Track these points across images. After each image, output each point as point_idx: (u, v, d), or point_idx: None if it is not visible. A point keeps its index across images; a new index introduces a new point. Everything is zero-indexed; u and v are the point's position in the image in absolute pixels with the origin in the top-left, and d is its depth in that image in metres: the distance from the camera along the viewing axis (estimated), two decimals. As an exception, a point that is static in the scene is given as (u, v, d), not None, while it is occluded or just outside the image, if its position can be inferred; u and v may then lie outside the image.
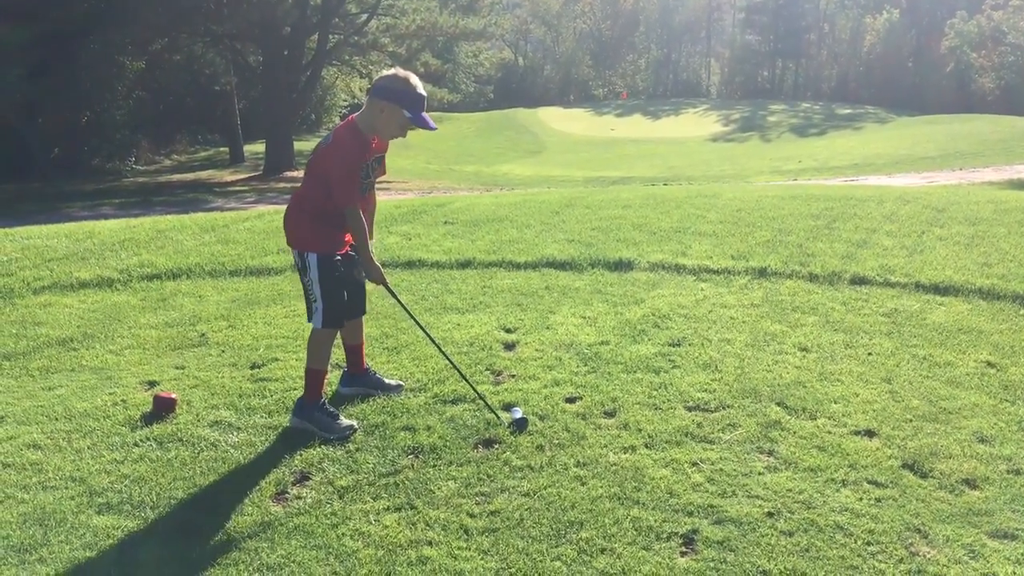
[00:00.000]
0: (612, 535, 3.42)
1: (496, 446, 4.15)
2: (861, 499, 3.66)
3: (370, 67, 35.18)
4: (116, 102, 31.80)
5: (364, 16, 33.36)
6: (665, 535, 3.41)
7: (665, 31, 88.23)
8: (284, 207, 4.62)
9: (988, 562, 3.24)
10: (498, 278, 7.16)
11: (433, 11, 34.22)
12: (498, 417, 4.36)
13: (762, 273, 7.12)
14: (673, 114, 61.32)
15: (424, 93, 4.22)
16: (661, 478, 3.82)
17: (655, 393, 4.70)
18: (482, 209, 10.51)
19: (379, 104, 4.17)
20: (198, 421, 4.49)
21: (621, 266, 7.42)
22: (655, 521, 3.50)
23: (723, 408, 4.52)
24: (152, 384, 5.05)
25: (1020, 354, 5.35)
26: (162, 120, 36.58)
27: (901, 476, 3.86)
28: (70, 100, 28.45)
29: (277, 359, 5.37)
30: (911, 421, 4.39)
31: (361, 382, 4.76)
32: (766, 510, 3.57)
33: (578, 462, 3.99)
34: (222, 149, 39.44)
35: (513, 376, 4.98)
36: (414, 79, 4.19)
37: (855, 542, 3.36)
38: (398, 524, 3.54)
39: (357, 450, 4.15)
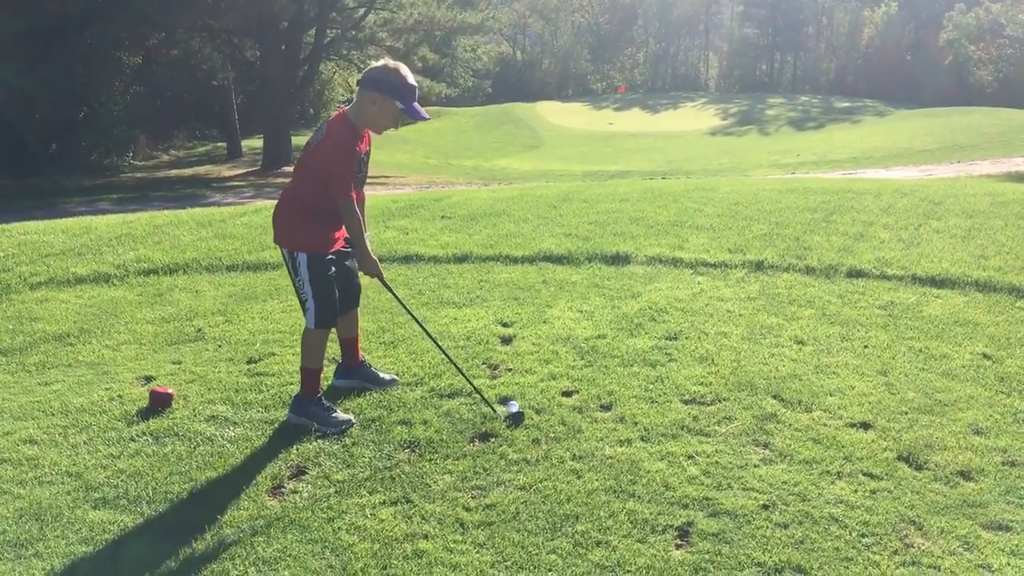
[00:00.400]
0: (608, 528, 3.43)
1: (492, 440, 4.16)
2: (856, 491, 3.67)
3: (368, 61, 35.00)
4: (113, 97, 31.73)
5: (361, 10, 33.29)
6: (660, 528, 3.42)
7: (663, 25, 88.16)
8: (280, 202, 4.60)
9: (983, 554, 3.25)
10: (495, 272, 7.16)
11: (431, 5, 34.12)
12: (494, 411, 4.37)
13: (759, 266, 7.12)
14: (671, 108, 61.30)
15: (415, 83, 4.21)
16: (657, 471, 3.83)
17: (651, 386, 4.70)
18: (479, 203, 10.50)
19: (370, 96, 4.15)
20: (194, 416, 4.49)
21: (618, 260, 7.42)
22: (650, 514, 3.51)
23: (719, 401, 4.53)
24: (148, 379, 5.05)
25: (1016, 346, 5.36)
26: (160, 115, 36.48)
27: (896, 468, 3.87)
28: (67, 95, 28.37)
29: (274, 354, 5.37)
30: (907, 413, 4.40)
31: (356, 375, 4.76)
32: (761, 502, 3.57)
33: (574, 455, 3.99)
34: (220, 144, 39.38)
35: (510, 370, 4.98)
36: (404, 69, 4.17)
37: (850, 534, 3.36)
38: (394, 518, 3.54)
39: (353, 444, 4.15)
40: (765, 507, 3.54)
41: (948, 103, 50.61)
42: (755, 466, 3.87)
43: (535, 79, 79.80)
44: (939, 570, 3.16)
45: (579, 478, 3.80)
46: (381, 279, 4.38)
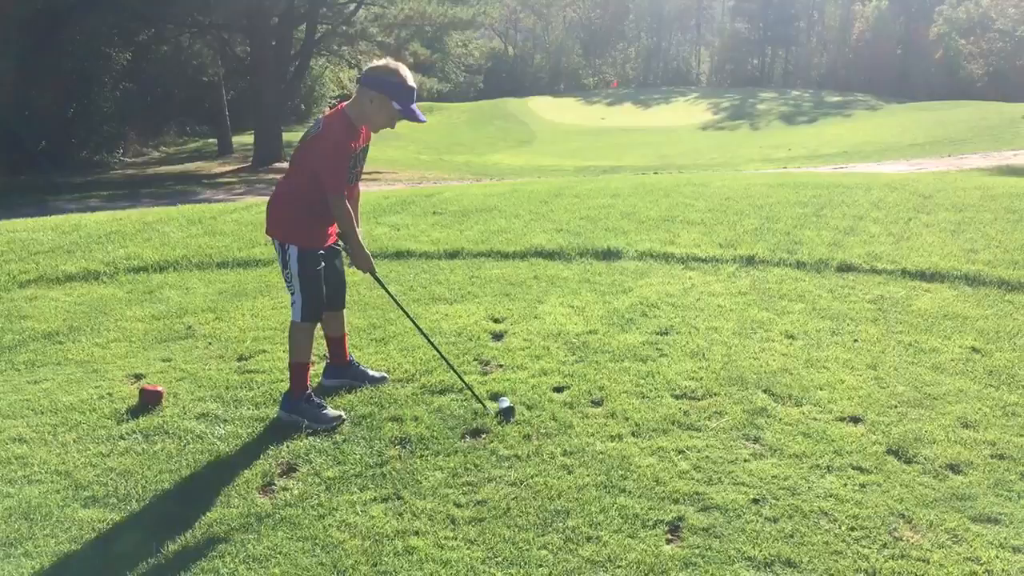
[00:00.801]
0: (598, 523, 3.43)
1: (483, 436, 4.16)
2: (846, 485, 3.68)
3: (359, 57, 35.01)
4: (103, 94, 31.58)
5: (352, 5, 33.18)
6: (651, 523, 3.43)
7: (655, 19, 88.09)
8: (272, 198, 4.58)
9: (971, 546, 3.27)
10: (486, 268, 7.15)
11: (421, 0, 34.05)
12: (485, 407, 4.37)
13: (750, 261, 7.13)
14: (663, 103, 61.26)
15: (414, 85, 4.21)
16: (647, 466, 3.83)
17: (642, 382, 4.71)
18: (471, 199, 10.49)
19: (369, 94, 4.15)
20: (184, 414, 4.48)
21: (609, 255, 7.42)
22: (641, 509, 3.51)
23: (710, 396, 4.54)
24: (138, 377, 5.04)
25: (1004, 340, 5.38)
26: (150, 112, 36.34)
27: (885, 462, 3.88)
28: (57, 92, 28.23)
29: (264, 351, 5.36)
30: (896, 407, 4.42)
31: (345, 374, 4.75)
32: (751, 497, 3.58)
33: (565, 451, 3.99)
34: (211, 140, 39.23)
35: (501, 366, 4.98)
36: (404, 70, 4.17)
37: (839, 527, 3.38)
38: (385, 515, 3.54)
39: (344, 441, 4.15)
40: (755, 501, 3.55)
41: (939, 97, 50.73)
42: (745, 460, 3.88)
43: (527, 74, 79.67)
44: (928, 563, 3.17)
45: (570, 473, 3.80)
46: (373, 274, 4.38)
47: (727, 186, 10.74)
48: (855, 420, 4.28)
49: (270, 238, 4.42)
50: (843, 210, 8.96)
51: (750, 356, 5.06)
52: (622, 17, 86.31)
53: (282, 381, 4.73)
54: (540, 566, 3.19)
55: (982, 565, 3.17)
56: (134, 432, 4.30)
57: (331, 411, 4.34)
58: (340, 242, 4.50)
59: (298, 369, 4.37)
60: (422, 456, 3.99)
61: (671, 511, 3.50)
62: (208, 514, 3.58)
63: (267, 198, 4.53)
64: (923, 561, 3.18)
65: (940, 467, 3.84)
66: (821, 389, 4.62)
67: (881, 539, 3.31)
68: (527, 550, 3.28)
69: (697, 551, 3.25)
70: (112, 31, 28.81)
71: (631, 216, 8.90)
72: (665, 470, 3.80)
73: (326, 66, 40.78)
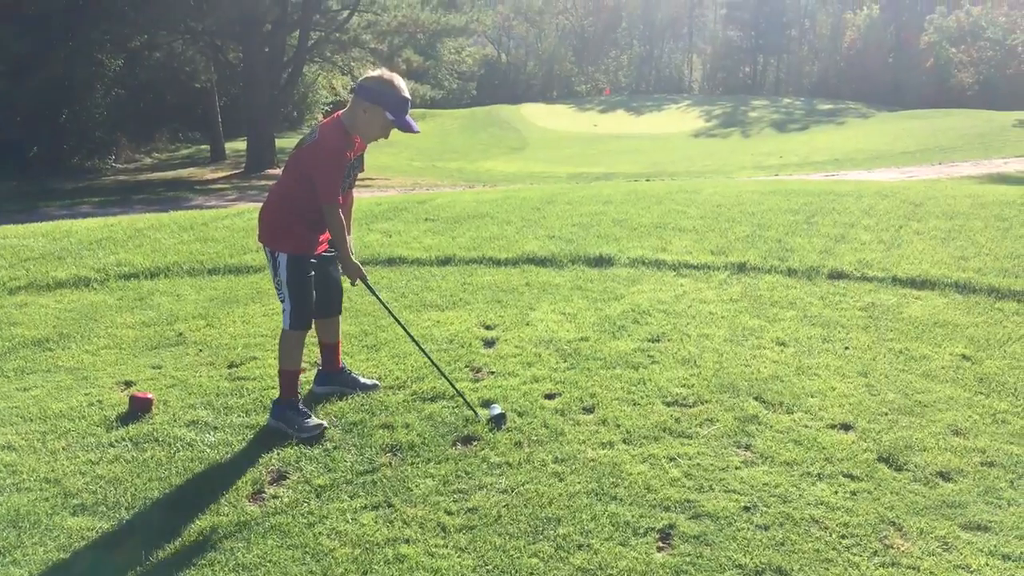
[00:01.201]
0: (589, 531, 3.43)
1: (475, 443, 4.15)
2: (836, 492, 3.69)
3: (352, 64, 35.06)
4: (95, 100, 31.51)
5: (345, 12, 33.19)
6: (642, 530, 3.43)
7: (647, 27, 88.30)
8: (263, 204, 4.57)
9: (961, 554, 3.27)
10: (478, 275, 7.15)
11: (415, 7, 34.07)
12: (476, 414, 4.36)
13: (741, 268, 7.15)
14: (655, 110, 61.39)
15: (408, 96, 4.20)
16: (639, 473, 3.83)
17: (634, 389, 4.71)
18: (463, 206, 10.49)
19: (363, 105, 4.14)
20: (174, 421, 4.46)
21: (601, 262, 7.43)
22: (632, 516, 3.51)
23: (701, 403, 4.54)
24: (128, 384, 5.02)
25: (995, 347, 5.40)
26: (142, 118, 36.26)
27: (876, 469, 3.89)
28: (49, 98, 28.16)
29: (255, 358, 5.35)
30: (887, 414, 4.43)
31: (336, 381, 4.74)
32: (742, 504, 3.58)
33: (556, 458, 3.99)
34: (203, 147, 39.15)
35: (492, 373, 4.98)
36: (399, 81, 4.17)
37: (830, 535, 3.38)
38: (375, 522, 3.53)
39: (335, 448, 4.14)
40: (746, 509, 3.56)
41: (929, 105, 50.94)
42: (736, 468, 3.88)
43: (520, 81, 79.78)
44: (918, 571, 3.17)
45: (561, 481, 3.80)
46: (365, 282, 4.37)
47: (719, 193, 10.77)
48: (846, 427, 4.29)
49: (261, 245, 4.41)
50: (834, 217, 8.99)
51: (741, 363, 5.07)
52: (614, 25, 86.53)
53: (272, 388, 4.71)
54: (531, 574, 3.19)
55: (972, 573, 3.17)
56: (124, 440, 4.28)
57: (313, 420, 4.32)
58: (333, 249, 4.49)
59: (288, 376, 4.36)
60: (413, 463, 3.98)
61: (662, 519, 3.50)
62: (198, 522, 3.56)
63: (259, 204, 4.52)
64: (913, 569, 3.19)
65: (930, 475, 3.85)
66: (812, 396, 4.62)
67: (872, 547, 3.31)
68: (518, 558, 3.27)
69: (688, 559, 3.24)
70: (104, 37, 28.76)
71: (623, 223, 8.91)
72: (656, 477, 3.80)
73: (319, 73, 40.78)
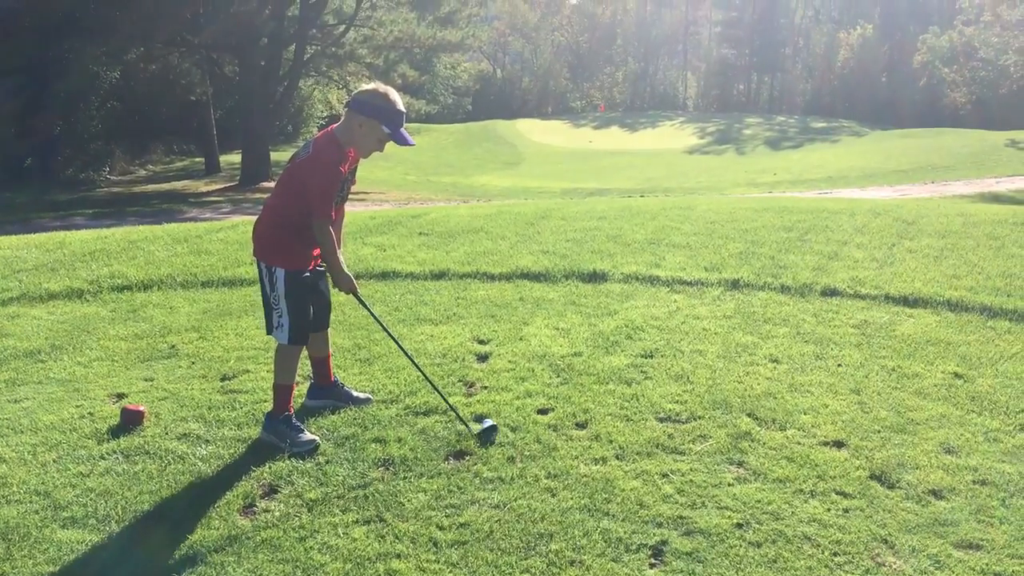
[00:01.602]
0: (581, 547, 3.42)
1: (467, 458, 4.15)
2: (829, 510, 3.68)
3: (348, 78, 35.13)
4: (90, 112, 31.52)
5: (341, 27, 33.30)
6: (634, 547, 3.42)
7: (642, 44, 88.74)
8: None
9: (953, 572, 3.27)
10: (472, 289, 7.16)
11: (411, 23, 34.18)
12: (468, 428, 4.35)
13: (735, 285, 7.17)
14: (650, 126, 61.64)
15: (403, 109, 4.21)
16: (631, 489, 3.82)
17: (627, 404, 4.71)
18: (457, 220, 10.51)
19: (358, 119, 4.15)
20: (166, 434, 4.44)
21: (595, 278, 7.44)
22: (624, 533, 3.50)
23: (694, 419, 4.54)
24: (120, 396, 5.00)
25: (987, 365, 5.41)
26: (137, 130, 36.28)
27: (869, 487, 3.89)
28: (43, 110, 28.15)
29: (248, 371, 5.33)
30: (879, 432, 4.43)
31: (329, 395, 4.73)
32: (735, 521, 3.58)
33: (549, 474, 3.98)
34: (198, 159, 39.15)
35: (486, 387, 4.97)
36: (394, 94, 4.18)
37: (822, 552, 3.37)
38: (367, 537, 3.51)
39: (327, 462, 4.12)
40: (739, 526, 3.55)
41: (923, 124, 51.23)
42: (729, 484, 3.88)
43: (515, 97, 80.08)
44: (910, 589, 3.17)
45: (554, 496, 3.79)
46: (356, 295, 4.37)
47: (713, 210, 10.81)
48: (838, 445, 4.29)
49: (256, 260, 4.40)
50: (827, 235, 9.03)
51: (735, 380, 5.07)
52: (609, 42, 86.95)
53: (265, 401, 4.70)
54: (523, 590, 3.17)
55: (964, 591, 3.17)
56: (115, 452, 4.26)
57: (307, 435, 4.30)
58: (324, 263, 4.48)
59: (282, 390, 4.35)
60: (405, 478, 3.97)
61: (655, 535, 3.49)
62: (188, 536, 3.54)
63: (254, 217, 4.52)
64: (905, 587, 3.18)
65: (923, 492, 3.85)
66: (805, 413, 4.63)
67: (864, 564, 3.31)
68: (510, 574, 3.26)
69: (680, 575, 3.24)
70: (101, 49, 28.79)
71: (617, 239, 8.93)
72: (649, 494, 3.79)
73: (315, 87, 40.88)
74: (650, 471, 3.99)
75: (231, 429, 4.49)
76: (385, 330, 4.61)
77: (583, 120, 66.09)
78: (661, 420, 4.53)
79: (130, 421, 4.54)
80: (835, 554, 3.37)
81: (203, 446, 4.31)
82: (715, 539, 3.46)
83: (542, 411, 4.64)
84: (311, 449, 4.22)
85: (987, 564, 3.33)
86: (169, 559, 3.39)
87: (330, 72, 35.85)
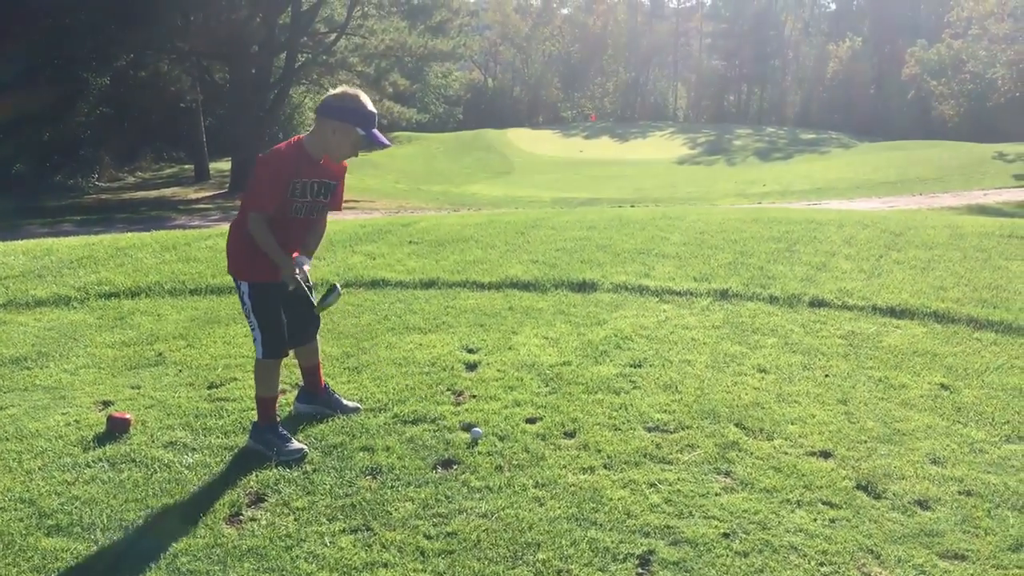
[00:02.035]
0: (569, 556, 3.41)
1: (455, 467, 4.14)
2: (815, 520, 3.69)
3: (339, 86, 35.16)
4: (79, 118, 31.44)
5: (333, 35, 33.37)
6: (622, 556, 3.42)
7: (633, 55, 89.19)
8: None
9: (939, 582, 3.28)
10: (461, 298, 7.15)
11: (402, 31, 34.29)
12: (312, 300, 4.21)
13: (724, 295, 7.19)
14: (641, 137, 61.91)
15: (375, 111, 4.17)
16: (619, 499, 3.83)
17: (615, 414, 4.71)
18: (447, 229, 10.51)
19: (331, 125, 4.11)
20: (152, 442, 4.42)
21: (584, 287, 7.45)
22: (612, 542, 3.50)
23: (682, 429, 4.54)
24: (107, 404, 4.97)
25: (973, 376, 5.44)
26: (126, 137, 36.21)
27: (855, 497, 3.90)
28: (32, 116, 28.06)
29: (235, 379, 5.31)
30: (866, 442, 4.45)
31: (318, 401, 4.72)
32: (722, 531, 3.58)
33: (537, 483, 3.98)
34: (187, 166, 39.12)
35: (474, 396, 4.97)
36: (364, 96, 4.14)
37: (808, 563, 3.38)
38: (354, 546, 3.50)
39: (314, 471, 4.11)
40: (726, 535, 3.55)
41: (911, 136, 51.61)
42: (716, 494, 3.89)
43: (506, 106, 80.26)
44: (896, 599, 3.18)
45: (541, 506, 3.79)
46: (296, 282, 4.18)
47: (702, 220, 10.84)
48: (825, 455, 4.30)
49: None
50: (816, 246, 9.06)
51: (723, 389, 5.08)
52: (601, 52, 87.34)
53: (253, 409, 4.67)
54: (509, 600, 3.17)
55: (949, 601, 3.18)
56: (101, 460, 4.24)
57: (294, 443, 4.28)
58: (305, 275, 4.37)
59: (264, 403, 4.32)
60: (393, 487, 3.96)
61: (642, 544, 3.49)
62: (174, 545, 3.52)
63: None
64: (891, 597, 3.19)
65: (909, 503, 3.86)
66: (792, 423, 4.64)
67: (850, 574, 3.32)
68: (497, 583, 3.25)
69: (667, 585, 3.24)
70: (90, 55, 28.74)
71: (607, 248, 8.95)
72: (636, 503, 3.79)
73: (306, 94, 40.95)
74: (638, 480, 3.99)
75: (218, 437, 4.47)
76: (314, 308, 4.38)
77: (574, 130, 66.30)
78: (649, 430, 4.54)
79: (116, 429, 4.51)
80: (821, 564, 3.38)
81: (190, 454, 4.29)
82: (702, 549, 3.46)
83: (530, 420, 4.64)
84: (299, 458, 4.21)
85: (972, 574, 3.34)
86: (155, 568, 3.37)
87: (321, 80, 35.90)
